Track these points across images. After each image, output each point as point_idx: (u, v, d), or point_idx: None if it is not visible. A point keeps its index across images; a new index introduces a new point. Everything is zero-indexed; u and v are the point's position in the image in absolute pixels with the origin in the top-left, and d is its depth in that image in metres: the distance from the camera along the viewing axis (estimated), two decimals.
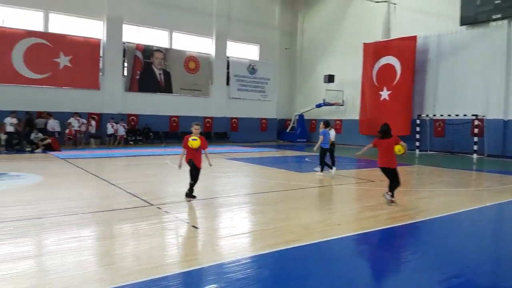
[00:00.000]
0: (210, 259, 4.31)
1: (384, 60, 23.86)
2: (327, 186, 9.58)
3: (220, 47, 26.59)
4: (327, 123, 11.37)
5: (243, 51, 28.56)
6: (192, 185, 7.38)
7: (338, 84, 26.99)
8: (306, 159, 15.92)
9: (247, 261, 4.30)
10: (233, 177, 10.72)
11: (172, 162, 13.22)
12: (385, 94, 23.95)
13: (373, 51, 24.36)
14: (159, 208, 6.67)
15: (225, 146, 22.72)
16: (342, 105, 27.03)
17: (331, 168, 11.20)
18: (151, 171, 11.42)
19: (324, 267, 4.25)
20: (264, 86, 29.14)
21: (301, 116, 28.56)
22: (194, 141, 7.19)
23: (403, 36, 22.70)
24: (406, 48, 22.43)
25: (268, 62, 29.27)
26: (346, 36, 26.96)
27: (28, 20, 20.37)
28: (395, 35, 23.76)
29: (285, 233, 5.31)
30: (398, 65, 23.04)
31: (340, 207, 7.35)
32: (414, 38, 22.07)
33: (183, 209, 6.69)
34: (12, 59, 19.60)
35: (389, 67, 23.56)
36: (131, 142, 22.03)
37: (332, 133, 11.64)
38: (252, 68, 28.46)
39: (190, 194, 7.36)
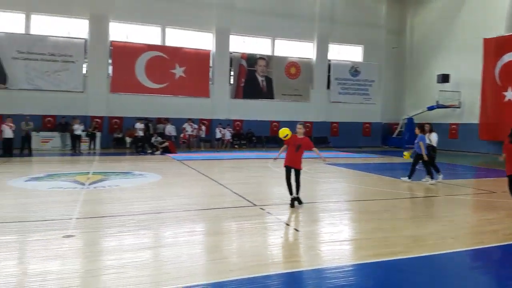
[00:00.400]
0: (313, 263, 4.34)
1: (509, 57, 21.13)
2: (439, 197, 8.81)
3: (322, 50, 26.43)
4: (422, 128, 10.53)
5: (345, 53, 27.94)
6: (294, 200, 7.00)
7: (453, 84, 24.61)
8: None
9: (350, 268, 4.21)
10: (333, 183, 10.57)
11: (274, 166, 13.55)
12: (510, 94, 21.17)
13: (495, 47, 21.73)
14: (262, 209, 6.92)
15: (325, 151, 22.39)
16: (458, 107, 24.54)
17: (432, 177, 10.30)
18: (254, 173, 11.93)
19: (434, 282, 3.94)
20: (367, 89, 28.04)
21: (410, 119, 26.70)
22: (282, 131, 6.96)
23: None
24: None
25: (372, 63, 28.10)
26: (462, 32, 24.46)
27: (147, 35, 22.94)
28: None
29: (391, 244, 5.06)
30: None
31: (455, 219, 6.70)
32: None
33: (285, 212, 6.83)
34: (136, 71, 22.33)
35: None
36: (236, 146, 23.26)
37: (434, 137, 10.73)
38: (355, 70, 27.64)
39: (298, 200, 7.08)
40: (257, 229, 5.68)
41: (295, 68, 25.97)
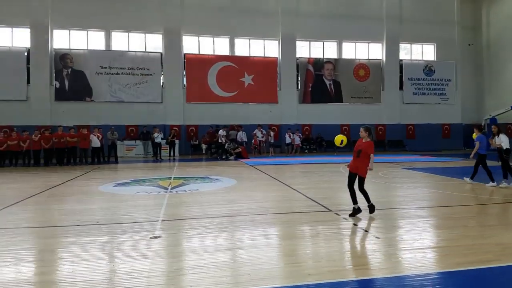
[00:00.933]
0: (395, 270, 4.22)
1: None
2: None
3: (392, 50, 25.46)
4: (480, 128, 10.85)
5: (417, 52, 26.55)
6: (356, 211, 6.54)
7: None
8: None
9: (436, 276, 4.03)
10: (413, 188, 10.05)
11: (346, 170, 13.31)
12: None
13: None
14: (337, 214, 6.86)
15: (401, 155, 21.46)
16: None
17: (493, 180, 9.94)
18: (326, 178, 11.84)
19: None
20: (444, 88, 26.33)
21: (492, 119, 24.51)
22: (337, 139, 6.88)
23: None
24: None
25: (447, 62, 26.37)
26: None
27: (217, 46, 23.96)
28: None
29: (479, 252, 4.74)
30: None
31: None
32: None
33: (362, 217, 6.70)
34: (208, 81, 23.38)
35: None
36: (306, 151, 23.20)
37: (503, 139, 10.21)
38: (429, 69, 26.14)
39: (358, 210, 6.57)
40: (334, 234, 5.65)
41: (364, 70, 25.27)
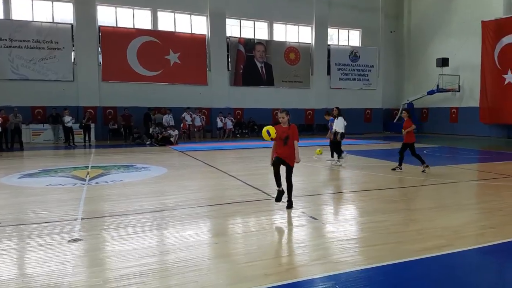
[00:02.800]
0: (356, 263, 3.80)
1: (508, 39, 20.87)
2: (460, 182, 8.34)
3: (321, 35, 25.76)
4: (328, 113, 11.58)
5: (343, 38, 27.28)
6: (280, 193, 5.77)
7: (453, 68, 24.23)
8: (424, 151, 14.39)
9: (391, 269, 3.70)
10: (343, 171, 9.95)
11: None
12: (510, 77, 20.89)
13: (494, 30, 21.45)
14: (283, 202, 6.37)
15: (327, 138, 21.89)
16: (458, 91, 24.19)
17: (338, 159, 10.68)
18: (263, 163, 11.28)
19: (489, 277, 3.45)
20: (367, 74, 27.52)
21: (410, 105, 26.31)
22: (268, 132, 5.59)
23: None
24: None
25: (371, 48, 27.52)
26: (461, 15, 24.00)
27: (138, 19, 21.93)
28: None
29: (431, 237, 4.56)
30: None
31: (487, 207, 6.22)
32: None
33: (308, 203, 6.30)
34: (128, 58, 21.37)
35: None
36: (238, 135, 22.62)
37: (339, 122, 10.76)
38: (354, 55, 27.04)
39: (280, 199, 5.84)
40: (284, 224, 5.16)
41: (294, 54, 25.28)
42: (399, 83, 28.93)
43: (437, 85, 24.07)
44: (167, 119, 19.59)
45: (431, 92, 24.70)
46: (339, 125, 10.65)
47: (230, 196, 6.94)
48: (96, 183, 8.25)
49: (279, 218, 5.53)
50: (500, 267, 3.94)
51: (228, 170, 9.85)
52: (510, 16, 21.08)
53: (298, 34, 25.80)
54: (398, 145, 17.51)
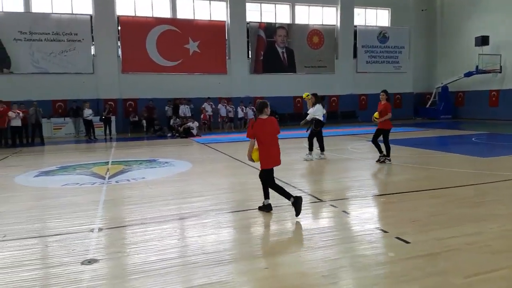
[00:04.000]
0: None
1: None
2: None
3: (346, 15, 24.26)
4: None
5: (371, 18, 25.68)
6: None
7: (493, 47, 22.39)
8: (473, 138, 13.07)
9: None
10: (389, 164, 8.73)
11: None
12: None
13: None
14: (333, 206, 5.38)
15: (353, 126, 20.73)
16: (499, 72, 22.37)
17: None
18: (295, 156, 10.29)
19: None
20: (397, 56, 25.90)
21: (444, 88, 24.62)
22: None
23: None
24: None
25: (401, 28, 25.81)
26: None
27: (156, 7, 21.02)
28: None
29: None
30: None
31: None
32: None
33: (362, 208, 5.30)
34: (147, 48, 20.58)
35: None
36: None
37: (317, 109, 9.37)
38: (383, 35, 25.44)
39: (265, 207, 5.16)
40: (348, 235, 4.17)
41: (318, 37, 23.93)
42: (431, 65, 27.14)
43: (476, 66, 22.30)
44: (183, 109, 18.68)
45: (468, 74, 22.96)
46: (316, 113, 9.39)
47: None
48: (117, 181, 7.46)
49: (339, 231, 4.54)
50: None
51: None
52: None
53: (322, 15, 24.41)
54: (436, 133, 16.43)
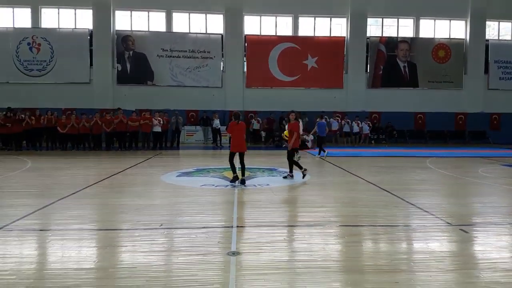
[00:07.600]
0: None
1: None
2: None
3: (477, 28, 22.31)
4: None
5: (506, 31, 23.08)
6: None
7: None
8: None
9: None
10: None
11: (435, 166, 11.44)
12: None
13: None
14: (464, 231, 5.21)
15: (484, 148, 18.81)
16: None
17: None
18: (418, 176, 9.91)
19: None
20: None
21: None
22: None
23: None
24: None
25: None
26: None
27: (280, 26, 22.28)
28: None
29: None
30: None
31: None
32: None
33: (498, 235, 5.03)
34: (269, 65, 21.93)
35: None
36: (372, 141, 21.08)
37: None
38: None
39: None
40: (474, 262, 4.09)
41: (444, 51, 22.45)
42: None
43: None
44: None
45: None
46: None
47: (392, 217, 5.99)
48: (245, 186, 8.30)
49: (469, 256, 4.45)
50: None
51: (377, 181, 8.85)
52: None
53: (450, 29, 22.82)
54: None
